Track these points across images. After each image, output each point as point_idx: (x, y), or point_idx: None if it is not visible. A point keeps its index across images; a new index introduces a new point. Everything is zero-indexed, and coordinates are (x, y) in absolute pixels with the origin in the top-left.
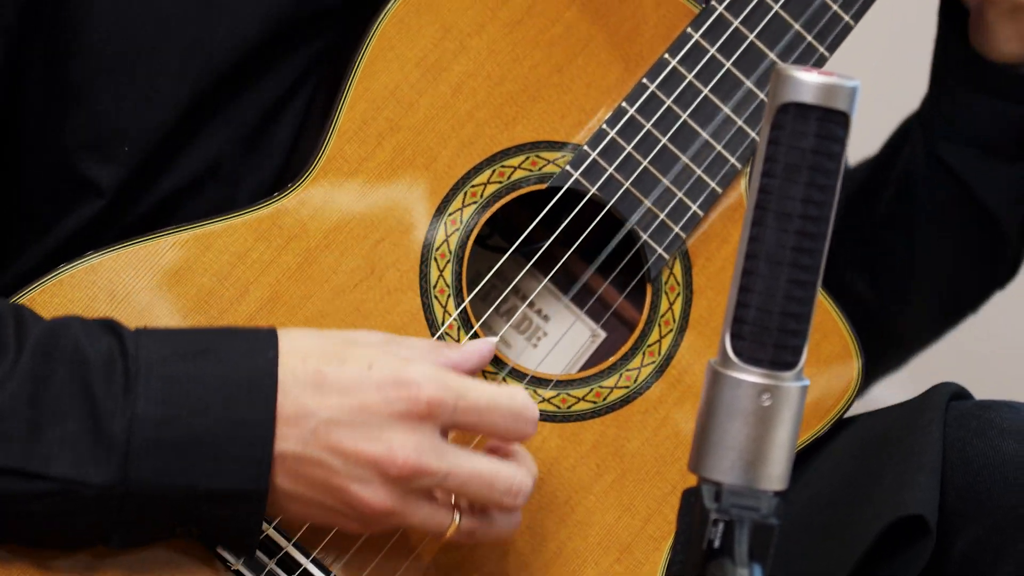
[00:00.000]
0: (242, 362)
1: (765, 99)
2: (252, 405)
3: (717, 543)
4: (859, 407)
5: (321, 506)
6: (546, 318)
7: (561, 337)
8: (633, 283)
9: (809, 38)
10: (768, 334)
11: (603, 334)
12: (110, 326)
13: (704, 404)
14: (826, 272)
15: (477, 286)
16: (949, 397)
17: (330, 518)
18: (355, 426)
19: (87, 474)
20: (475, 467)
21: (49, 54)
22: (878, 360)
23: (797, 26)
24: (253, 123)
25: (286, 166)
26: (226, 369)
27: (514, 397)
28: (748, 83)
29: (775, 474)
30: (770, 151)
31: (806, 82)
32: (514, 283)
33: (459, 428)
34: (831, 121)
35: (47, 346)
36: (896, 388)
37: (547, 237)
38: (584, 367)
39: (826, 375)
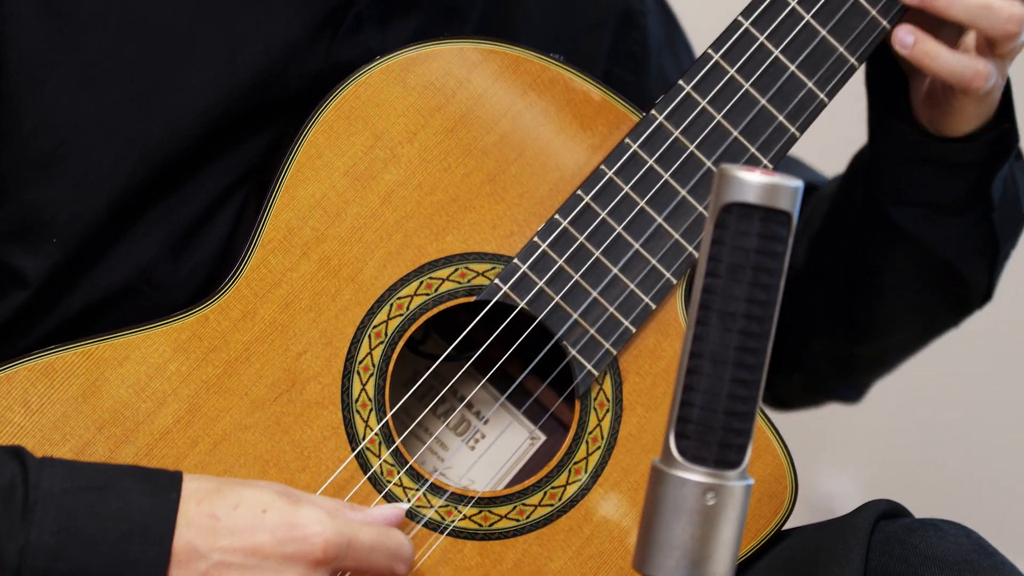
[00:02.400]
0: (140, 501)
1: (704, 212)
2: (146, 544)
3: None
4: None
5: None
6: (484, 421)
7: (495, 439)
8: (569, 390)
9: (753, 149)
10: (712, 433)
11: (542, 437)
12: (17, 452)
13: (648, 503)
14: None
15: (412, 387)
16: (877, 517)
17: None
18: (247, 568)
19: None
20: None
21: None
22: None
23: (739, 136)
24: (186, 225)
25: (216, 272)
26: (124, 506)
27: (391, 537)
28: (686, 195)
29: (719, 573)
30: (714, 251)
31: (749, 182)
32: (451, 384)
33: (346, 570)
34: (774, 221)
35: None
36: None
37: (484, 339)
38: (522, 470)
39: (759, 494)
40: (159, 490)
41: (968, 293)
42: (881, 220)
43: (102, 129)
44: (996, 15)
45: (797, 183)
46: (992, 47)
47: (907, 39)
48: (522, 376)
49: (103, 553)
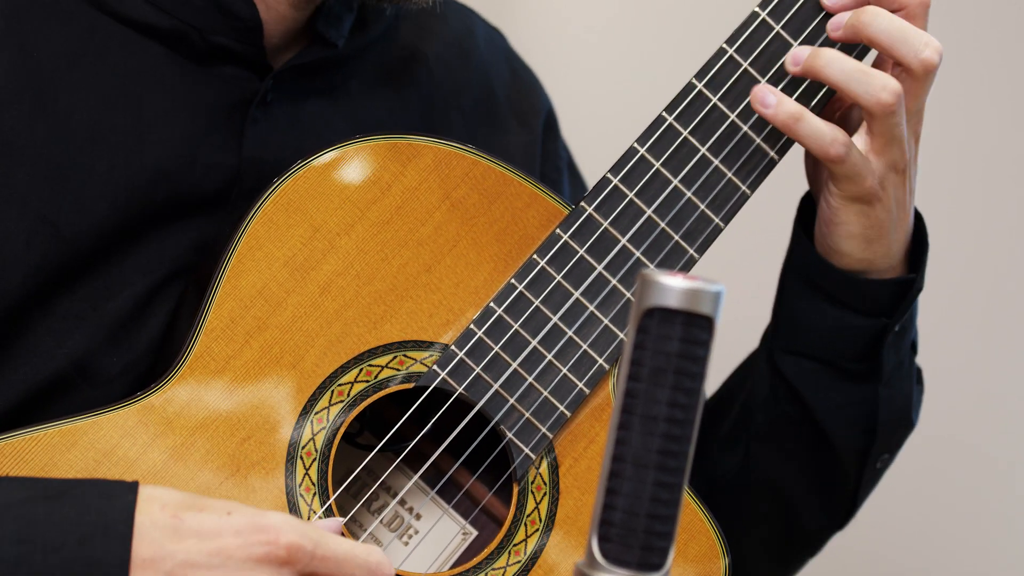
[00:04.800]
0: (98, 505)
1: (632, 299)
2: (108, 546)
3: None
4: None
5: None
6: (417, 516)
7: (428, 533)
8: (501, 480)
9: (676, 237)
10: (635, 536)
11: (474, 532)
12: None
13: None
14: None
15: (345, 483)
16: None
17: None
18: (212, 568)
19: None
20: None
21: None
22: None
23: (666, 227)
24: (117, 319)
25: (154, 365)
26: (82, 511)
27: (371, 552)
28: (616, 283)
29: None
30: (636, 355)
31: (671, 287)
32: (382, 479)
33: (315, 574)
34: (696, 325)
35: None
36: None
37: (417, 433)
38: (454, 566)
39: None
40: (116, 493)
41: (838, 487)
42: (769, 372)
43: (15, 206)
44: (872, 81)
45: (718, 287)
46: (870, 122)
47: (768, 99)
48: (453, 468)
49: (65, 558)
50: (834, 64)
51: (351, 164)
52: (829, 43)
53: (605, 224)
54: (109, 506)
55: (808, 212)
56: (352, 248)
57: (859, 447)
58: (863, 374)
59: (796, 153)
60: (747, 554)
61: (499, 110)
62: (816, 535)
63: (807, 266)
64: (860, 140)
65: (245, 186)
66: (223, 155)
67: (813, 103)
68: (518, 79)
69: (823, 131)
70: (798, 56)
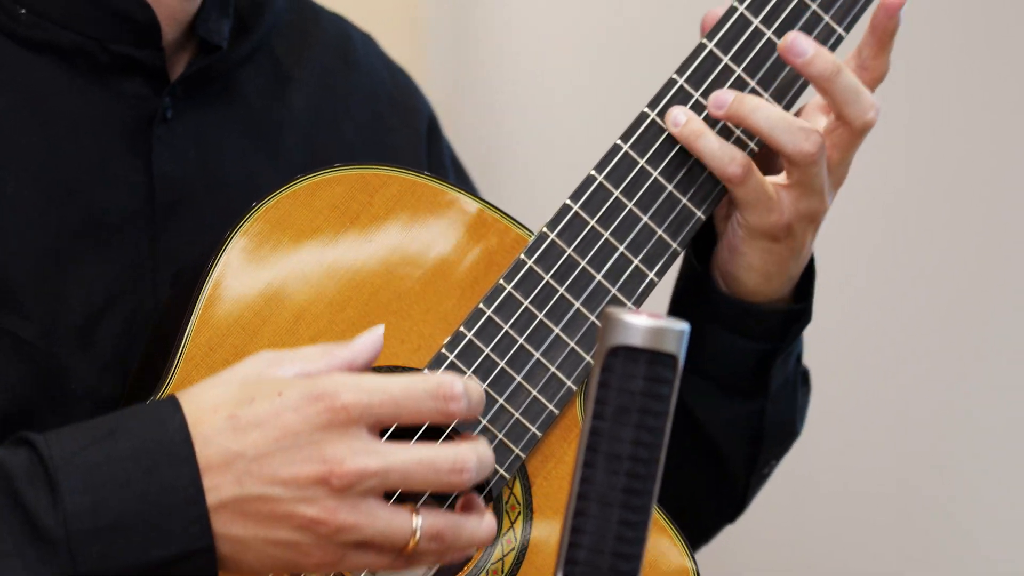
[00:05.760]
0: (151, 432)
1: (596, 321)
2: (174, 467)
3: None
4: None
5: (276, 543)
6: None
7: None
8: (484, 492)
9: (636, 262)
10: (599, 574)
11: None
12: (20, 438)
13: None
14: None
15: None
16: None
17: (289, 556)
18: (285, 451)
19: None
20: (413, 455)
21: None
22: None
23: (625, 251)
24: (72, 338)
25: (132, 387)
26: (137, 442)
27: (428, 379)
28: (580, 307)
29: None
30: (600, 394)
31: (635, 326)
32: None
33: (383, 423)
34: (660, 364)
35: None
36: None
37: None
38: None
39: None
40: (164, 416)
41: (728, 488)
42: None
43: None
44: (795, 131)
45: (683, 326)
46: (790, 169)
47: (679, 118)
48: (426, 493)
49: (138, 492)
50: (759, 112)
51: (321, 195)
52: (789, 77)
53: (568, 250)
54: (163, 430)
55: (707, 231)
56: (323, 276)
57: (747, 455)
58: (751, 391)
59: None
60: None
61: (383, 111)
62: (709, 529)
63: (701, 292)
64: (779, 183)
65: (162, 201)
66: (133, 173)
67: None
68: (396, 81)
69: (722, 150)
70: (721, 99)
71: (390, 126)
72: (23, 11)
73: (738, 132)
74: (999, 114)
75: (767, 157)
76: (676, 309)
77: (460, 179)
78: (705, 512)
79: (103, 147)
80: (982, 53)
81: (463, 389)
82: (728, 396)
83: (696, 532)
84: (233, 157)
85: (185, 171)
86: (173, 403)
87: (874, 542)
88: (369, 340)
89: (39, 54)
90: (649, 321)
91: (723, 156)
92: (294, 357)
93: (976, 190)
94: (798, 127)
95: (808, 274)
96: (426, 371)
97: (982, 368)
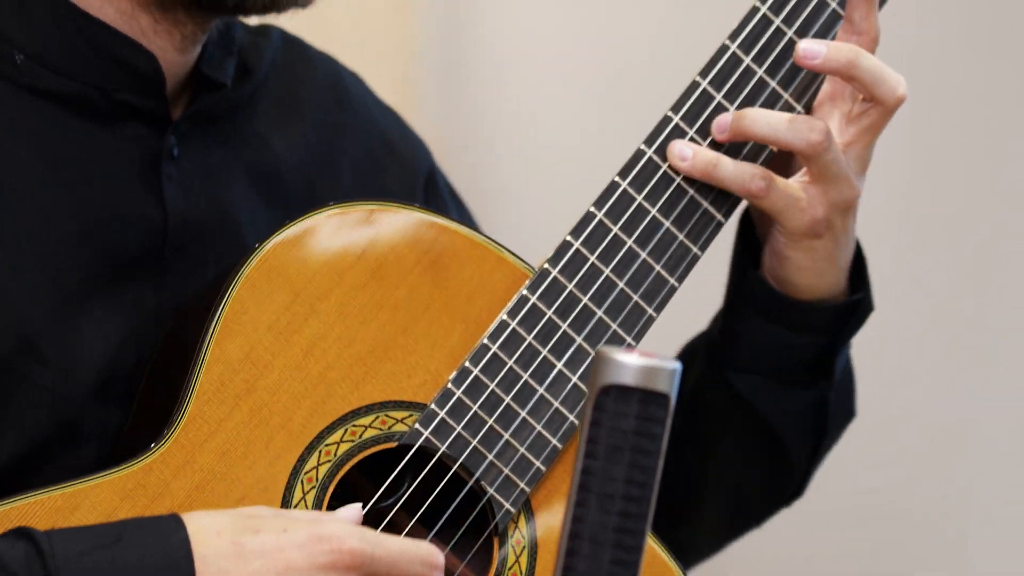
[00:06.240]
0: (155, 545)
1: None
2: None
3: None
4: None
5: None
6: None
7: None
8: (491, 527)
9: (635, 298)
10: None
11: None
12: (21, 531)
13: None
14: None
15: None
16: None
17: None
18: None
19: None
20: None
21: None
22: None
23: (625, 287)
24: (85, 376)
25: (143, 422)
26: (142, 553)
27: (420, 546)
28: (582, 342)
29: None
30: (592, 433)
31: (627, 365)
32: None
33: (377, 574)
34: (652, 403)
35: None
36: None
37: (395, 495)
38: None
39: None
40: (166, 530)
41: (788, 478)
42: (718, 387)
43: None
44: (798, 126)
45: (675, 365)
46: (808, 164)
47: (685, 152)
48: (437, 527)
49: None
50: (759, 120)
51: (327, 230)
52: (787, 108)
53: (569, 286)
54: (166, 543)
55: (749, 235)
56: (332, 312)
57: (810, 445)
58: (813, 381)
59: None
60: (692, 531)
61: (377, 150)
62: (763, 515)
63: (755, 293)
64: (804, 182)
65: (174, 242)
66: (146, 213)
67: (802, 103)
68: (388, 121)
69: (741, 170)
70: (722, 123)
71: (384, 166)
72: (20, 57)
73: (745, 150)
74: (999, 114)
75: (783, 161)
76: (730, 315)
77: (463, 217)
78: (762, 499)
79: (113, 188)
80: (983, 54)
81: (442, 563)
82: (791, 388)
83: (750, 518)
84: (237, 195)
85: (197, 208)
86: (176, 520)
87: (873, 542)
88: (349, 515)
89: (41, 98)
90: (641, 360)
91: (743, 175)
92: (292, 514)
93: (975, 190)
94: (800, 121)
95: (859, 263)
96: (433, 406)
97: (981, 368)
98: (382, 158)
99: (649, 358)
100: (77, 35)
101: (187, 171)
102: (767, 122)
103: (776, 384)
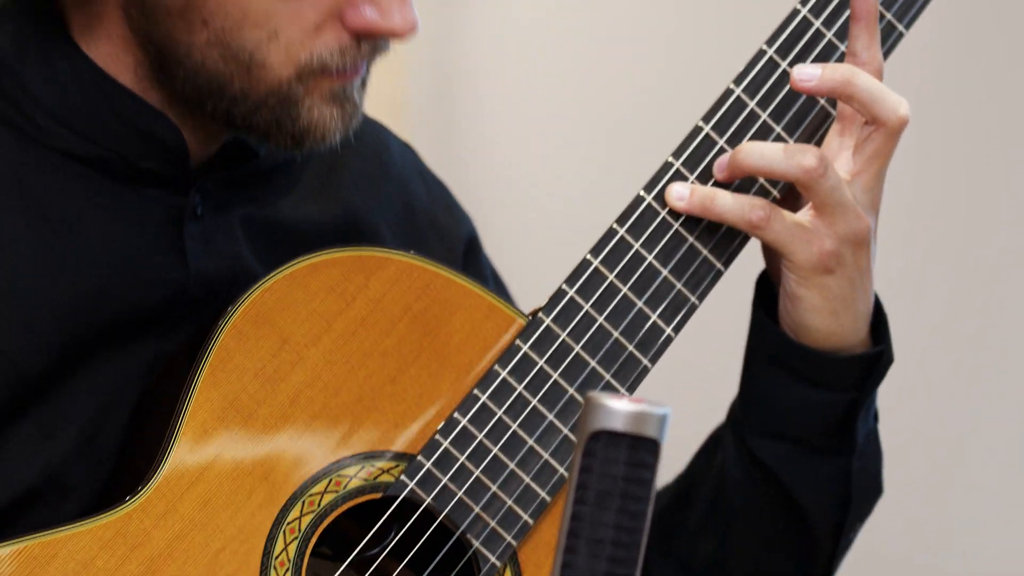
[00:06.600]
0: None
1: None
2: None
3: None
4: None
5: None
6: None
7: None
8: None
9: (630, 348)
10: None
11: None
12: None
13: None
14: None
15: None
16: None
17: None
18: None
19: None
20: None
21: None
22: None
23: (620, 337)
24: (77, 432)
25: (117, 475)
26: None
27: None
28: (574, 393)
29: None
30: (582, 478)
31: (616, 410)
32: None
33: None
34: (642, 448)
35: None
36: None
37: (379, 545)
38: None
39: None
40: None
41: (812, 561)
42: (742, 455)
43: None
44: (791, 154)
45: (664, 410)
46: (808, 195)
47: (683, 192)
48: (425, 574)
49: None
50: (753, 152)
51: (317, 276)
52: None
53: (563, 335)
54: None
55: (767, 292)
56: (319, 359)
57: (835, 520)
58: (836, 448)
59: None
60: None
61: (418, 222)
62: None
63: (773, 346)
64: (812, 214)
65: (191, 299)
66: (168, 272)
67: (815, 139)
68: (432, 194)
69: (740, 201)
70: (721, 162)
71: (423, 237)
72: (43, 118)
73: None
74: (1000, 114)
75: (792, 202)
76: (748, 373)
77: (500, 294)
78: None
79: (135, 248)
80: (983, 54)
81: None
82: (814, 456)
83: None
84: (260, 252)
85: (218, 268)
86: None
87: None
88: None
89: (64, 157)
90: (630, 406)
91: (742, 207)
92: None
93: (975, 190)
94: (793, 149)
95: (880, 316)
96: (420, 457)
97: (982, 368)
98: (425, 233)
99: (639, 404)
100: (102, 101)
101: (210, 229)
102: (761, 153)
103: (798, 450)
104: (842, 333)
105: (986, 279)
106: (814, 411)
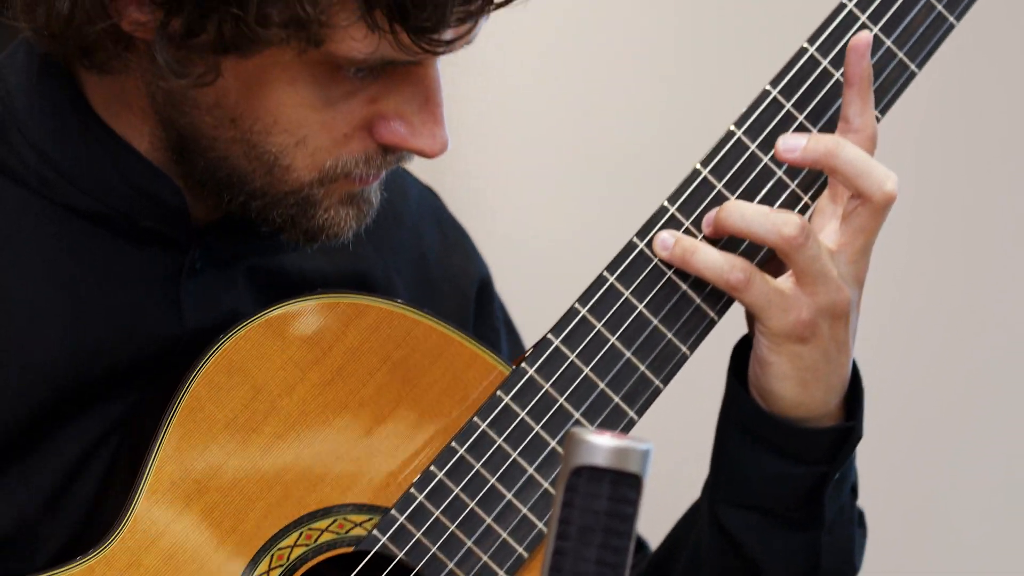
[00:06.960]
0: None
1: None
2: None
3: None
4: None
5: None
6: None
7: None
8: None
9: (616, 399)
10: None
11: None
12: None
13: None
14: None
15: None
16: None
17: None
18: None
19: None
20: None
21: None
22: None
23: (606, 388)
24: (52, 483)
25: (88, 526)
26: None
27: None
28: (555, 446)
29: None
30: (564, 514)
31: (599, 446)
32: None
33: None
34: (624, 484)
35: None
36: None
37: None
38: None
39: None
40: None
41: None
42: (712, 523)
43: None
44: (773, 219)
45: (646, 446)
46: (787, 262)
47: (667, 241)
48: None
49: None
50: (734, 213)
51: (292, 324)
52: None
53: (546, 386)
54: None
55: (741, 358)
56: (293, 410)
57: None
58: (805, 522)
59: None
60: None
61: (431, 273)
62: None
63: (744, 413)
64: (792, 282)
65: (183, 352)
66: (163, 327)
67: (809, 194)
68: (448, 241)
69: (719, 261)
70: (709, 218)
71: (436, 288)
72: (48, 171)
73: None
74: (1000, 115)
75: (779, 262)
76: (718, 438)
77: (511, 340)
78: None
79: (131, 304)
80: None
81: None
82: (782, 529)
83: None
84: (259, 305)
85: (215, 322)
86: None
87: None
88: None
89: (64, 210)
90: (613, 441)
91: (723, 266)
92: None
93: (975, 190)
94: (775, 215)
95: (856, 390)
96: (394, 511)
97: (982, 368)
98: (438, 283)
99: (621, 439)
100: (107, 161)
101: (208, 284)
102: (742, 215)
103: (766, 522)
104: (810, 404)
105: (986, 279)
106: (783, 482)
